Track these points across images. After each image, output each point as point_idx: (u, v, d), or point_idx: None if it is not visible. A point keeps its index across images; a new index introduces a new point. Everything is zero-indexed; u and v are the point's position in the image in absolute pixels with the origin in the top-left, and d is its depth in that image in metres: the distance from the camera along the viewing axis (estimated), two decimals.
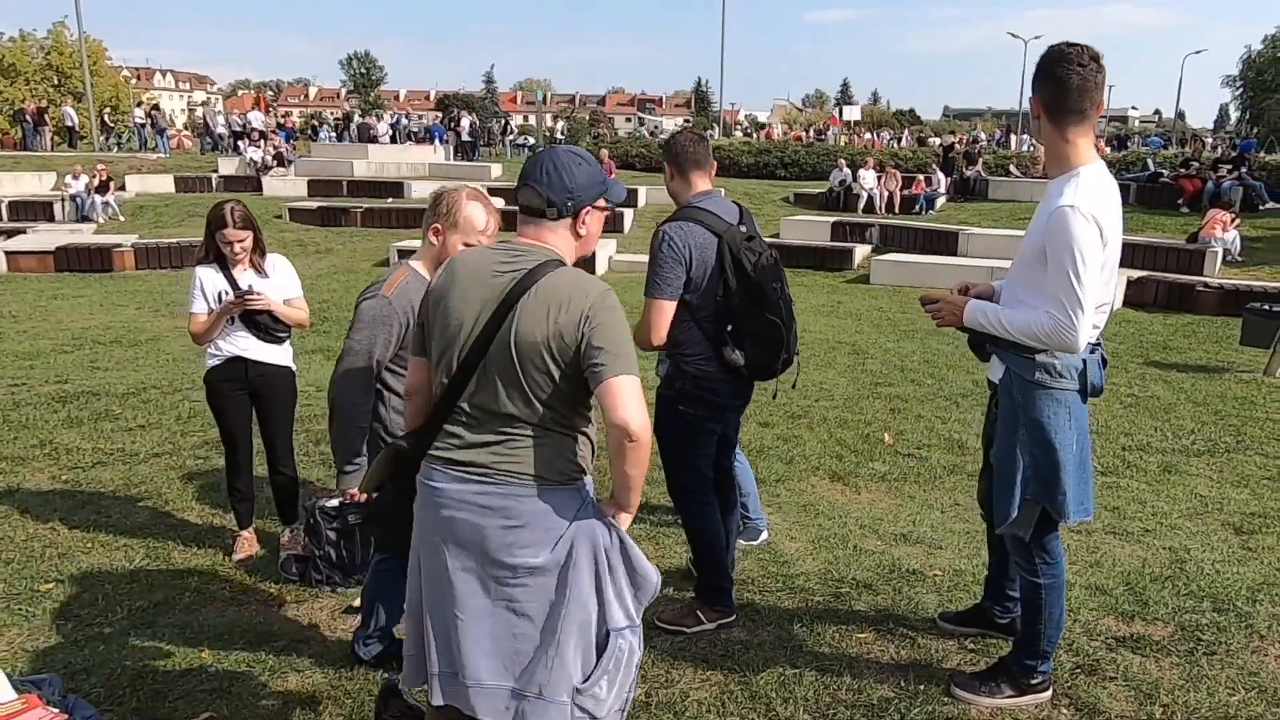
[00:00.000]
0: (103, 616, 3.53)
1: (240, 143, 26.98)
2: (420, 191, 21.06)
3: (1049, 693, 2.58)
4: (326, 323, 11.49)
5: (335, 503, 3.70)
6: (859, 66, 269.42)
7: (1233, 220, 12.34)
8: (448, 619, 1.92)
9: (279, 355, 3.92)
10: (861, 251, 15.06)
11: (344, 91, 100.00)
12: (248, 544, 4.04)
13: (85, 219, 19.01)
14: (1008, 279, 2.44)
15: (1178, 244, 12.51)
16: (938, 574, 3.65)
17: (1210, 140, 25.58)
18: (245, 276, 3.81)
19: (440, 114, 41.57)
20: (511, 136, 31.09)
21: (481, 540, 1.89)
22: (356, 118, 31.76)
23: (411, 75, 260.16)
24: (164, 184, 22.39)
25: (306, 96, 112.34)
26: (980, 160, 19.11)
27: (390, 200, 20.35)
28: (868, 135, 29.65)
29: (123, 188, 20.95)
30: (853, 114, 33.66)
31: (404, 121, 29.01)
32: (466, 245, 2.52)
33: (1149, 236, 13.32)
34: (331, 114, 31.16)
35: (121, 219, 19.16)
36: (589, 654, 1.94)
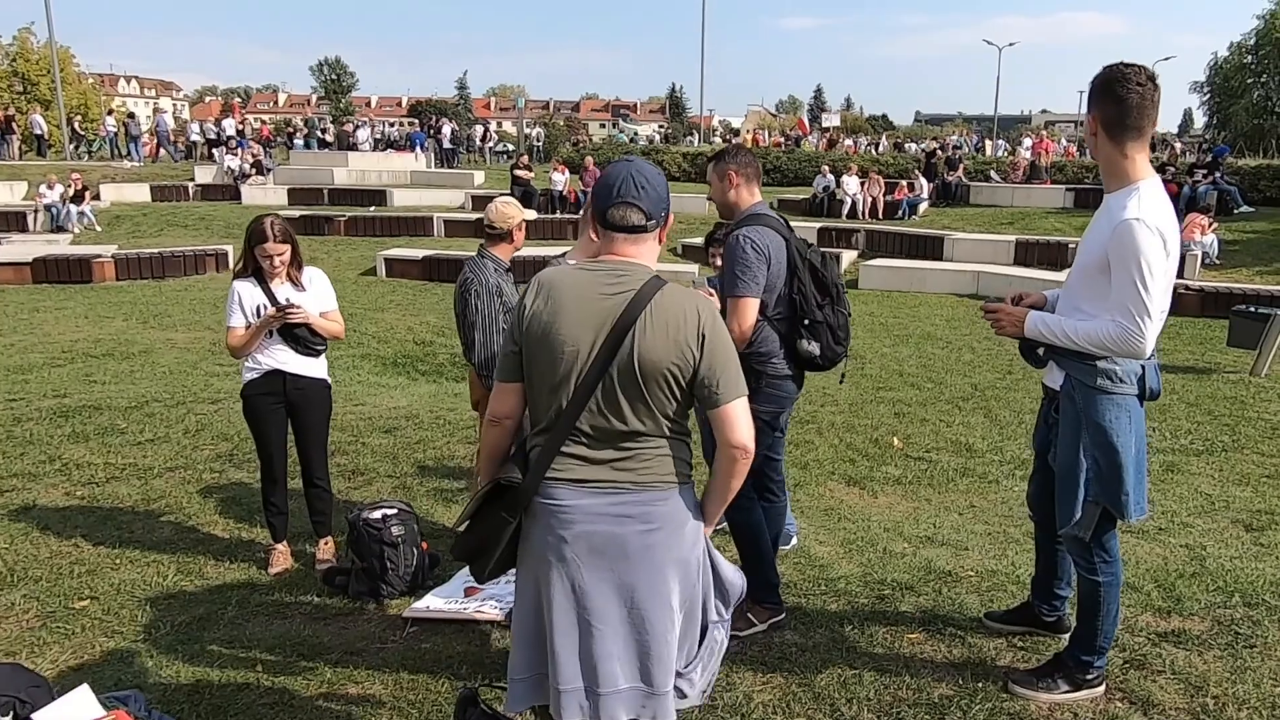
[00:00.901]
0: (145, 633, 3.51)
1: (215, 150, 26.71)
2: (402, 199, 21.01)
3: (1103, 688, 2.67)
4: None
5: (379, 514, 3.73)
6: (831, 73, 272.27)
7: (1210, 224, 12.69)
8: (583, 633, 1.96)
9: (316, 368, 3.93)
10: (848, 257, 15.25)
11: (315, 98, 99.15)
12: (283, 558, 4.04)
13: (60, 229, 18.69)
14: (1064, 289, 2.54)
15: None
16: (970, 575, 3.75)
17: (1179, 145, 26.22)
18: (283, 290, 3.82)
19: (414, 120, 41.37)
20: (490, 144, 31.05)
21: (622, 549, 1.94)
22: (328, 125, 31.47)
23: (383, 82, 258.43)
24: (140, 193, 22.09)
25: (276, 103, 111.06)
26: (962, 166, 19.47)
27: (373, 208, 20.24)
28: (848, 141, 29.93)
29: (97, 197, 20.63)
30: (832, 120, 34.03)
31: (386, 129, 28.84)
32: None
33: None
34: (303, 119, 30.75)
35: (98, 229, 18.86)
36: (692, 646, 2.07)
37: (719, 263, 4.30)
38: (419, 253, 15.81)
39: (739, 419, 1.96)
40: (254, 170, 23.46)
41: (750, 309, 2.95)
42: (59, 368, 8.84)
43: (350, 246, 17.85)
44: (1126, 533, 4.45)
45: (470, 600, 3.56)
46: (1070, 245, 14.00)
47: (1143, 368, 2.39)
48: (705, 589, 2.09)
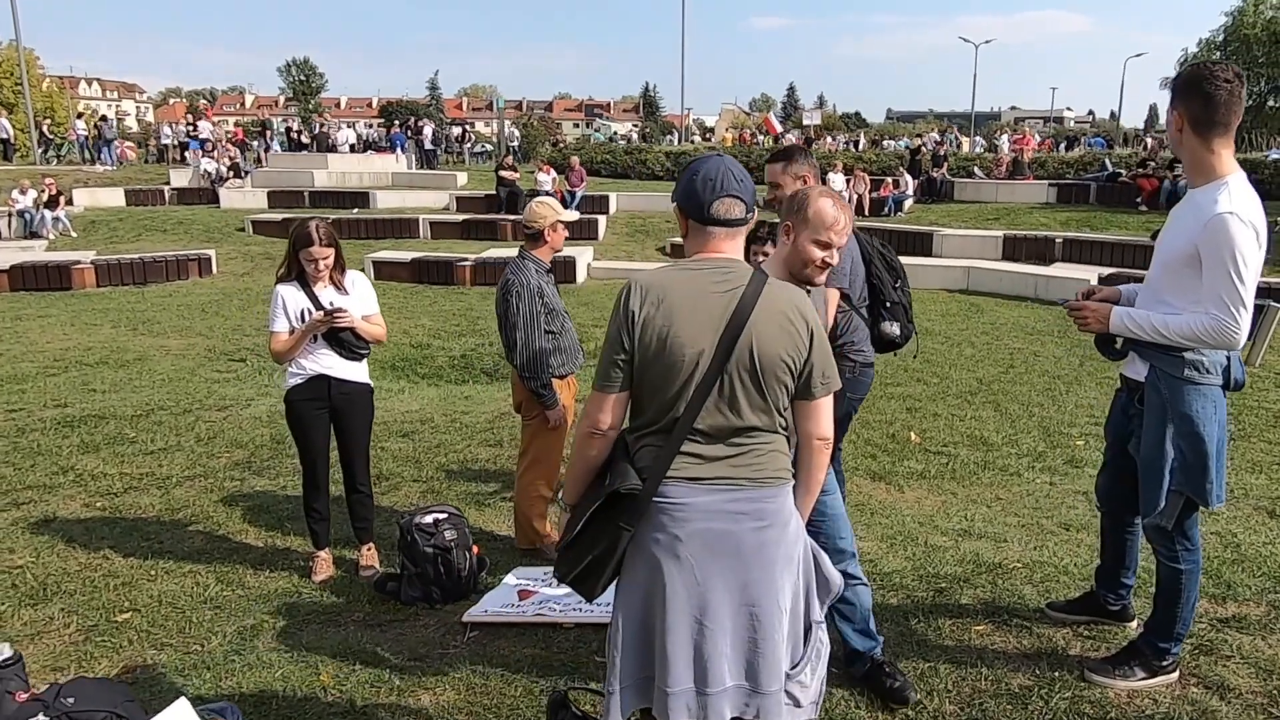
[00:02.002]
0: (198, 644, 3.46)
1: (189, 153, 26.28)
2: (385, 201, 20.81)
3: (1176, 674, 2.73)
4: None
5: (430, 519, 3.70)
6: (803, 71, 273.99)
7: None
8: (693, 633, 1.94)
9: (360, 372, 3.89)
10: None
11: (283, 99, 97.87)
12: (326, 565, 3.99)
13: (34, 235, 18.27)
14: (1146, 284, 2.58)
15: (1143, 241, 13.07)
16: (1018, 566, 3.80)
17: (1149, 141, 26.72)
18: (326, 293, 3.78)
19: (384, 121, 40.96)
20: (469, 144, 30.85)
21: (736, 546, 1.94)
22: (311, 124, 31.02)
23: (353, 82, 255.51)
24: (114, 197, 21.65)
25: (243, 105, 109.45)
26: (946, 162, 19.70)
27: (356, 210, 20.03)
28: (828, 139, 30.13)
29: (70, 202, 20.19)
30: (814, 119, 34.22)
31: (364, 130, 28.54)
32: (816, 242, 2.40)
33: (1114, 235, 13.90)
34: (281, 120, 30.30)
35: (74, 235, 18.46)
36: (797, 645, 2.06)
37: (760, 260, 4.31)
38: (407, 255, 15.68)
39: (828, 411, 2.03)
40: (231, 173, 23.10)
41: (835, 300, 2.99)
42: (54, 377, 8.65)
43: None
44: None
45: (527, 604, 3.55)
46: (1058, 240, 14.24)
47: (1227, 358, 2.44)
48: (809, 587, 2.10)
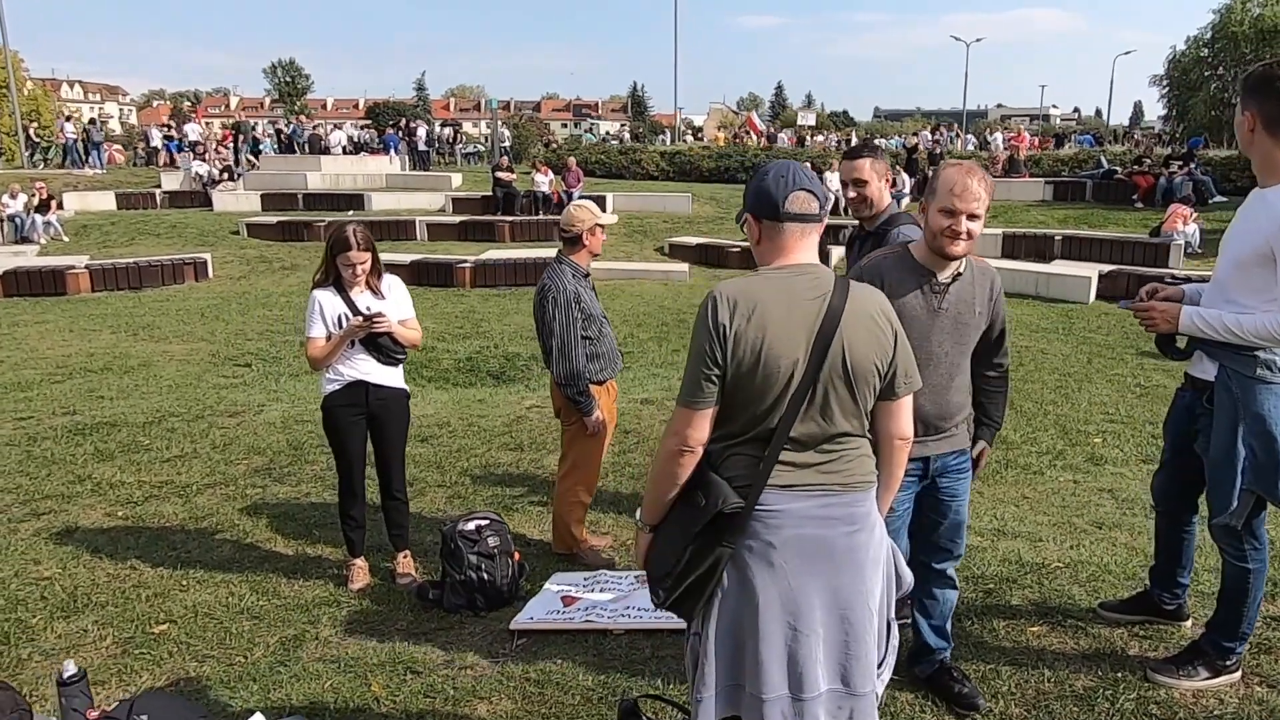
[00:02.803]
0: (240, 656, 3.41)
1: (179, 156, 26.07)
2: (380, 203, 20.69)
3: (1239, 673, 2.73)
4: None
5: (473, 526, 3.67)
6: (790, 70, 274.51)
7: (1192, 214, 13.06)
8: (787, 639, 1.93)
9: (396, 377, 3.85)
10: (837, 252, 15.34)
11: (269, 100, 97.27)
12: (363, 573, 3.95)
13: (25, 240, 18.06)
14: (1214, 282, 2.58)
15: (1142, 238, 13.17)
16: (1059, 566, 3.80)
17: (1138, 135, 27.03)
18: (363, 298, 3.74)
19: (370, 122, 40.67)
20: (460, 145, 30.73)
21: (829, 551, 1.93)
22: (277, 127, 30.73)
23: (338, 83, 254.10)
24: (105, 201, 21.42)
25: (228, 106, 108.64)
26: (944, 161, 19.72)
27: (351, 212, 19.90)
28: (818, 138, 30.22)
29: (61, 206, 19.97)
30: (808, 119, 34.28)
31: (357, 132, 28.37)
32: (942, 210, 2.39)
33: (1112, 232, 13.99)
34: (270, 123, 29.91)
35: (65, 239, 18.27)
36: (881, 644, 2.06)
37: None
38: (406, 257, 15.59)
39: (909, 410, 2.05)
40: (224, 175, 22.92)
41: None
42: (59, 384, 8.54)
43: None
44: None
45: (573, 610, 3.52)
46: (1057, 237, 14.30)
47: None
48: (890, 587, 2.09)
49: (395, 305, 3.79)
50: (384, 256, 15.07)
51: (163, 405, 7.50)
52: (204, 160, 23.51)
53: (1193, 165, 15.77)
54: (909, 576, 2.15)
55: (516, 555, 3.77)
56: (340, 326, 3.68)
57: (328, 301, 3.69)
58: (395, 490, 3.95)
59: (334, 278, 3.70)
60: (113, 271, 15.20)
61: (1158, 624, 3.10)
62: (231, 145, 27.46)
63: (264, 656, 3.39)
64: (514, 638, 3.38)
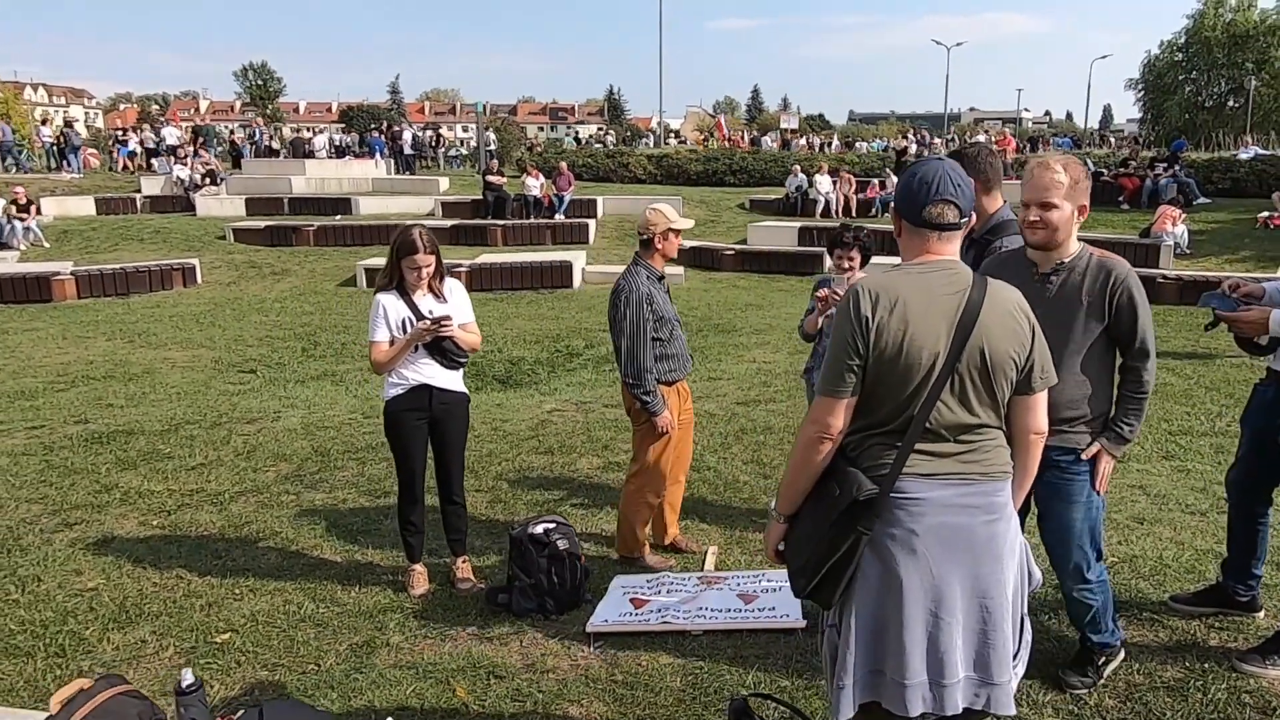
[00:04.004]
0: (312, 664, 3.38)
1: (155, 160, 25.65)
2: (368, 207, 20.52)
3: None
4: (319, 347, 11.10)
5: (541, 529, 3.66)
6: (765, 73, 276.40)
7: (1180, 216, 13.34)
8: (928, 626, 1.97)
9: (458, 381, 3.83)
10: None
11: (239, 104, 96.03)
12: (423, 578, 3.93)
13: (5, 246, 17.67)
14: None
15: (1133, 239, 13.41)
16: (1117, 560, 3.87)
17: (1112, 139, 27.59)
18: (425, 301, 3.72)
19: (344, 126, 40.28)
20: (443, 149, 30.55)
21: (969, 540, 1.97)
22: (257, 130, 30.33)
23: (311, 86, 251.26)
24: (84, 206, 21.02)
25: (197, 110, 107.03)
26: None
27: (339, 217, 19.72)
28: (801, 141, 30.43)
29: (39, 211, 19.57)
30: (791, 122, 34.54)
31: (340, 136, 28.08)
32: (1022, 203, 2.56)
33: (1102, 233, 14.23)
34: (244, 127, 29.33)
35: (46, 245, 17.90)
36: (1015, 637, 2.09)
37: (845, 265, 4.35)
38: None
39: (1044, 405, 2.10)
40: (206, 180, 22.59)
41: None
42: (63, 392, 8.38)
43: (323, 257, 17.37)
44: (1223, 514, 4.65)
45: (645, 612, 3.52)
46: None
47: None
48: (1022, 580, 2.13)
49: (457, 308, 3.78)
50: (377, 261, 15.04)
51: (176, 413, 7.39)
52: (185, 164, 23.14)
53: (1177, 167, 16.12)
54: (1039, 574, 2.19)
55: (582, 558, 3.76)
56: (404, 331, 3.65)
57: (391, 305, 3.66)
58: (455, 495, 3.93)
59: (397, 281, 3.68)
60: (99, 278, 14.94)
61: (1232, 616, 3.16)
62: (192, 149, 27.05)
63: (337, 664, 3.36)
64: (591, 640, 3.37)
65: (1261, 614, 3.15)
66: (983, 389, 1.99)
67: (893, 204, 2.12)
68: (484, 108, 25.10)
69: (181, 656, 3.49)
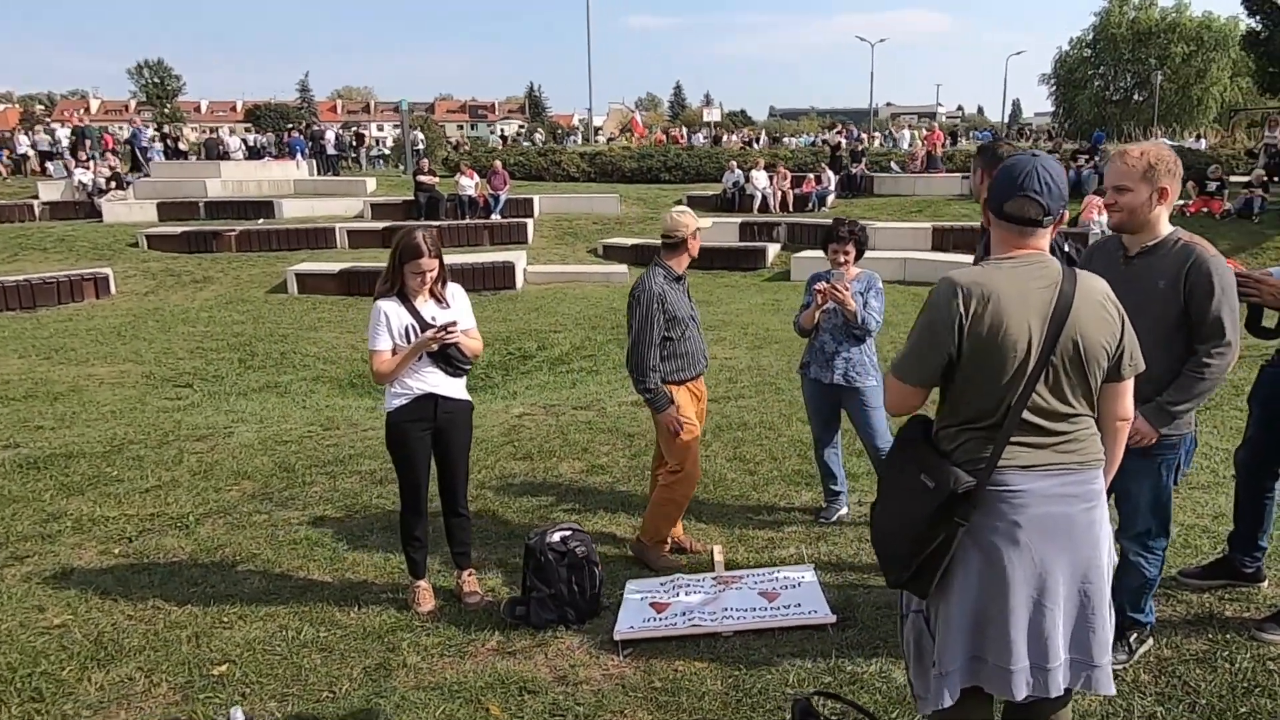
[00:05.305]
0: (326, 690, 3.20)
1: (50, 164, 24.15)
2: (292, 210, 19.74)
3: None
4: (256, 358, 10.63)
5: (558, 537, 3.56)
6: (684, 70, 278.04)
7: (1105, 205, 13.95)
8: (1032, 612, 2.00)
9: (462, 389, 3.69)
10: (772, 250, 15.69)
11: (135, 103, 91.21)
12: (429, 595, 3.78)
13: None
14: None
15: (1062, 228, 13.97)
16: None
17: (1030, 132, 28.95)
18: (427, 308, 3.57)
19: (248, 125, 38.73)
20: (367, 149, 29.67)
21: (1070, 527, 2.01)
22: (150, 131, 28.80)
23: (213, 85, 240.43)
24: None
25: (87, 110, 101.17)
26: (865, 158, 20.51)
27: (262, 221, 18.93)
28: (733, 137, 30.72)
29: None
30: (713, 115, 34.83)
31: (258, 138, 26.85)
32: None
33: None
34: (76, 128, 27.39)
35: None
36: (1111, 620, 2.13)
37: (840, 259, 4.38)
38: (334, 266, 14.96)
39: (1130, 393, 2.15)
40: (111, 184, 21.35)
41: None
42: None
43: (248, 263, 16.62)
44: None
45: (670, 616, 3.47)
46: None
47: None
48: (1110, 562, 2.17)
49: (460, 314, 3.64)
50: (310, 266, 14.49)
51: (116, 432, 6.94)
52: (87, 168, 21.82)
53: (1097, 159, 16.92)
54: (1116, 558, 2.23)
55: (599, 565, 3.67)
56: (407, 338, 3.50)
57: (394, 312, 3.50)
58: (460, 507, 3.79)
59: (398, 287, 3.51)
60: (1, 291, 13.94)
61: (1239, 587, 3.30)
62: (98, 152, 25.54)
63: (353, 690, 3.19)
64: (620, 648, 3.29)
65: (1266, 583, 3.30)
66: (1076, 379, 2.02)
67: (985, 197, 2.14)
68: (407, 105, 24.44)
69: (178, 693, 3.27)
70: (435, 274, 3.52)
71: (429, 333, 3.43)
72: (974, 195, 3.47)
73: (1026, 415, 1.99)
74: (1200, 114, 40.46)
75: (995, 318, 1.97)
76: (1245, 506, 3.23)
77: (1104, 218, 13.69)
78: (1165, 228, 2.73)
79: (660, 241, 4.09)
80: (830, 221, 4.69)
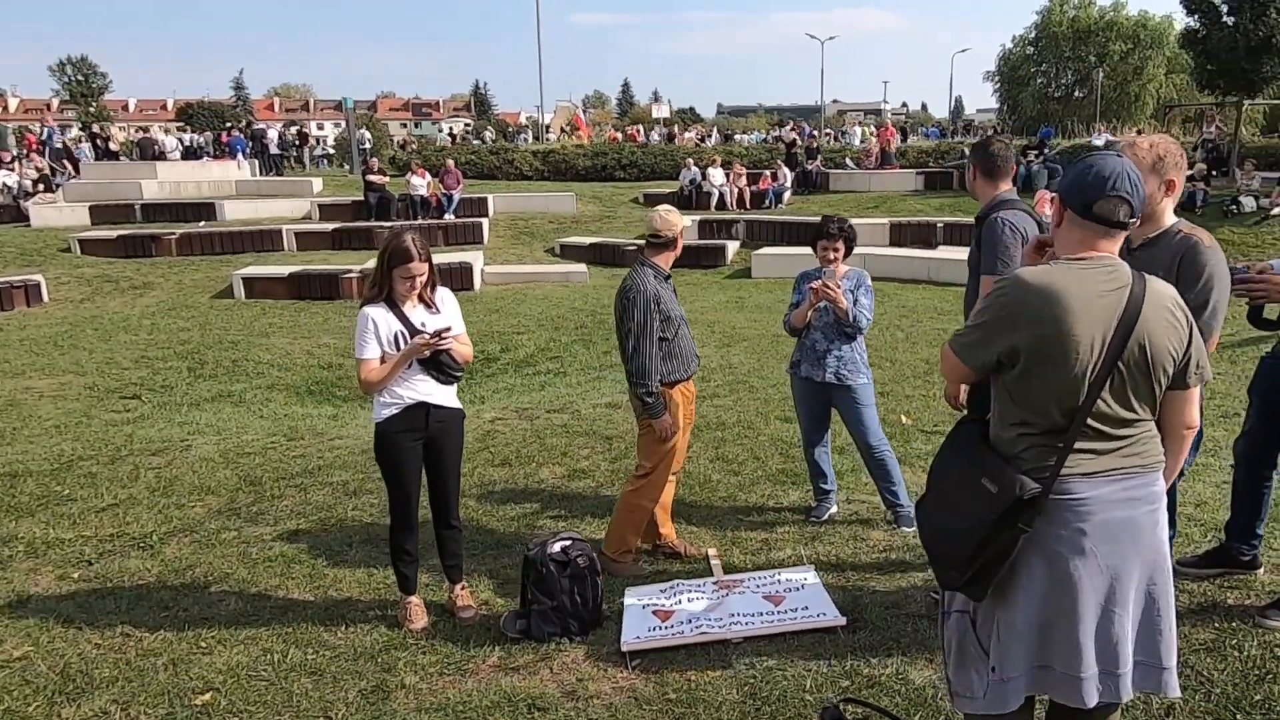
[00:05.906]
0: (321, 716, 3.05)
1: None
2: (235, 212, 19.11)
3: None
4: (206, 366, 10.23)
5: (559, 547, 3.46)
6: (630, 68, 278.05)
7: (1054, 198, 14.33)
8: (1101, 619, 1.97)
9: (453, 397, 3.55)
10: (732, 247, 15.71)
11: (57, 102, 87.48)
12: (421, 611, 3.63)
13: None
14: None
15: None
16: None
17: (977, 128, 29.64)
18: (415, 313, 3.42)
19: (181, 125, 37.48)
20: (311, 148, 28.89)
21: (1135, 531, 1.98)
22: (74, 131, 27.69)
23: (142, 83, 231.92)
24: None
25: (5, 109, 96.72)
26: (820, 155, 20.70)
27: (203, 223, 18.29)
28: (689, 134, 30.72)
29: None
30: (663, 111, 34.78)
31: (194, 137, 25.86)
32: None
33: None
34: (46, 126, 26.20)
35: None
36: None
37: (830, 256, 4.34)
38: (283, 269, 14.52)
39: (1197, 400, 2.11)
40: (39, 187, 20.39)
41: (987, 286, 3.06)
42: None
43: (190, 267, 16.03)
44: None
45: (676, 624, 3.39)
46: (939, 224, 15.26)
47: None
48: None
49: (451, 319, 3.49)
50: (257, 269, 14.08)
51: (63, 448, 6.59)
52: (13, 170, 20.80)
53: (1046, 153, 17.36)
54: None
55: (600, 574, 3.57)
56: (396, 346, 3.35)
57: (382, 319, 3.34)
58: (453, 519, 3.65)
59: (387, 292, 3.36)
60: None
61: (1236, 575, 3.36)
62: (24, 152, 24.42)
63: (350, 715, 3.04)
64: (628, 660, 3.20)
65: (1262, 570, 3.36)
66: (1142, 384, 1.99)
67: (1058, 194, 2.07)
68: (352, 103, 23.86)
69: None
70: (425, 278, 3.37)
71: (420, 339, 3.29)
72: (970, 191, 3.49)
73: (1090, 421, 1.96)
74: (1138, 110, 41.94)
75: (1063, 320, 1.93)
76: (1245, 498, 3.28)
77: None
78: (1169, 219, 2.75)
79: (646, 241, 3.99)
80: (819, 219, 4.66)
